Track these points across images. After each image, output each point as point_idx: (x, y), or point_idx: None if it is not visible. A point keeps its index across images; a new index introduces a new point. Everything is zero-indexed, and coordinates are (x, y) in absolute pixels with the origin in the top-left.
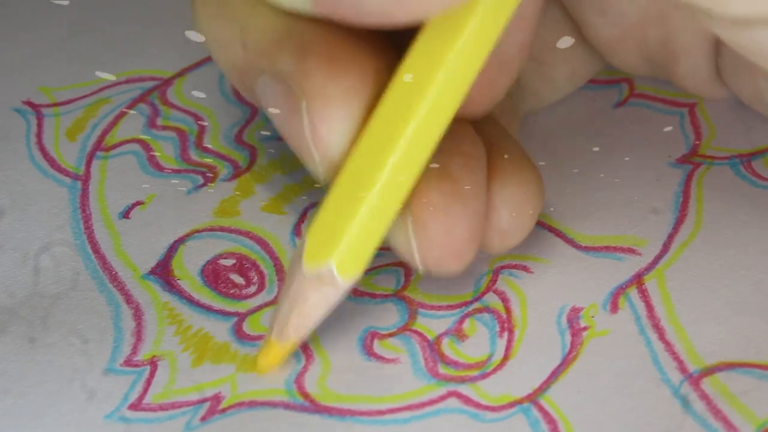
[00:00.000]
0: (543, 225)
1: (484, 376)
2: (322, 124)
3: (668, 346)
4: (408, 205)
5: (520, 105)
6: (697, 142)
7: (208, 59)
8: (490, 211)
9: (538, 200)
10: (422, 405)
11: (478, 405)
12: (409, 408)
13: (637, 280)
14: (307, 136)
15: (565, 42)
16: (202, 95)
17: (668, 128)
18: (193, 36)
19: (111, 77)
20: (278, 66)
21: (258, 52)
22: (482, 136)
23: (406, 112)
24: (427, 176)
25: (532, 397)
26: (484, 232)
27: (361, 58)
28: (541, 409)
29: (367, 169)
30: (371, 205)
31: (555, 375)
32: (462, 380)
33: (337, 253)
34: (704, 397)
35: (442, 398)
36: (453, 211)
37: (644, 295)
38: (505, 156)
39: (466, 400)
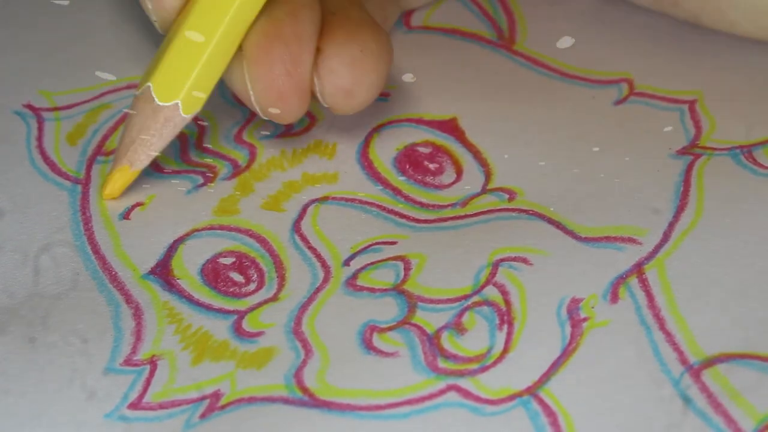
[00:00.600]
0: (542, 217)
1: (484, 369)
2: None
3: (669, 336)
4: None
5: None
6: (698, 135)
7: None
8: (318, 58)
9: (377, 57)
10: (422, 399)
11: (477, 398)
12: (408, 402)
13: (638, 269)
14: None
15: (565, 42)
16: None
17: (668, 128)
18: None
19: (110, 77)
20: None
21: None
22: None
23: None
24: (258, 22)
25: (532, 390)
26: (318, 79)
27: None
28: (541, 402)
29: (207, 18)
30: (212, 51)
31: (555, 367)
32: (461, 374)
33: (182, 92)
34: (705, 390)
35: (442, 392)
36: (273, 50)
37: (645, 284)
38: (345, 15)
39: (466, 394)
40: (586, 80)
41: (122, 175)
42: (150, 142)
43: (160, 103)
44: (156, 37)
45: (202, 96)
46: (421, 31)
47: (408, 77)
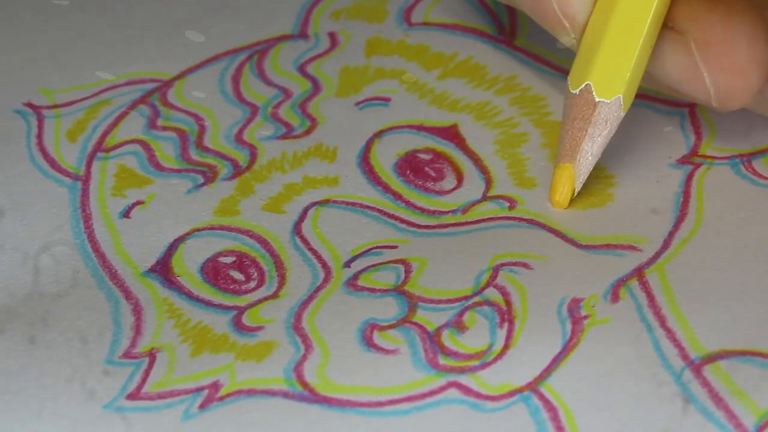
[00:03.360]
0: (542, 226)
1: (484, 365)
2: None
3: (669, 333)
4: (682, 33)
5: None
6: (698, 143)
7: (208, 61)
8: None
9: None
10: (422, 396)
11: (478, 395)
12: (409, 399)
13: (638, 273)
14: (556, 10)
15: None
16: (202, 95)
17: (668, 128)
18: (194, 36)
19: (110, 77)
20: None
21: None
22: None
23: None
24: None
25: (533, 386)
26: None
27: None
28: (542, 398)
29: (634, 13)
30: (643, 42)
31: (555, 362)
32: (462, 371)
33: (623, 86)
34: (706, 385)
35: (443, 389)
36: (732, 28)
37: (645, 286)
38: None
39: (467, 391)
40: None
41: (567, 177)
42: (592, 142)
43: (600, 100)
44: (156, 37)
45: (634, 89)
46: (421, 27)
47: (408, 77)
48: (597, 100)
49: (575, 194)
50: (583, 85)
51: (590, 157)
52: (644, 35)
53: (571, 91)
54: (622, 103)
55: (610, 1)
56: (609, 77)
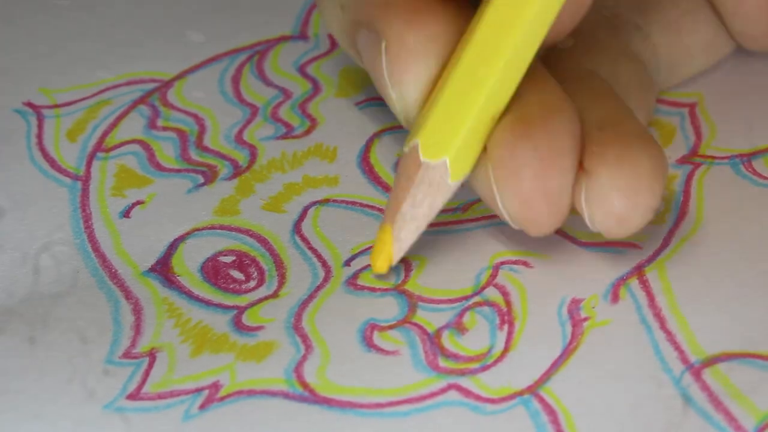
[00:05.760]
0: None
1: (485, 368)
2: (398, 67)
3: (669, 335)
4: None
5: (657, 78)
6: (698, 143)
7: (208, 61)
8: (584, 180)
9: (652, 178)
10: (422, 398)
11: (478, 397)
12: (409, 401)
13: (638, 271)
14: (385, 77)
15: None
16: (201, 95)
17: (668, 128)
18: (194, 36)
19: (110, 77)
20: (366, 18)
21: (352, 9)
22: (587, 100)
23: (498, 43)
24: (504, 118)
25: (533, 389)
26: (586, 203)
27: (441, 9)
28: (542, 401)
29: (471, 81)
30: (479, 112)
31: (555, 366)
32: (462, 373)
33: (452, 150)
34: (705, 388)
35: (443, 391)
36: (518, 152)
37: (645, 285)
38: (613, 131)
39: (467, 393)
40: None
41: (385, 240)
42: (414, 205)
43: (425, 161)
44: (156, 37)
45: (467, 161)
46: None
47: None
48: (422, 160)
49: (394, 263)
50: (412, 144)
51: (410, 221)
52: (480, 105)
53: (404, 150)
54: (449, 168)
55: (451, 62)
56: (437, 138)
